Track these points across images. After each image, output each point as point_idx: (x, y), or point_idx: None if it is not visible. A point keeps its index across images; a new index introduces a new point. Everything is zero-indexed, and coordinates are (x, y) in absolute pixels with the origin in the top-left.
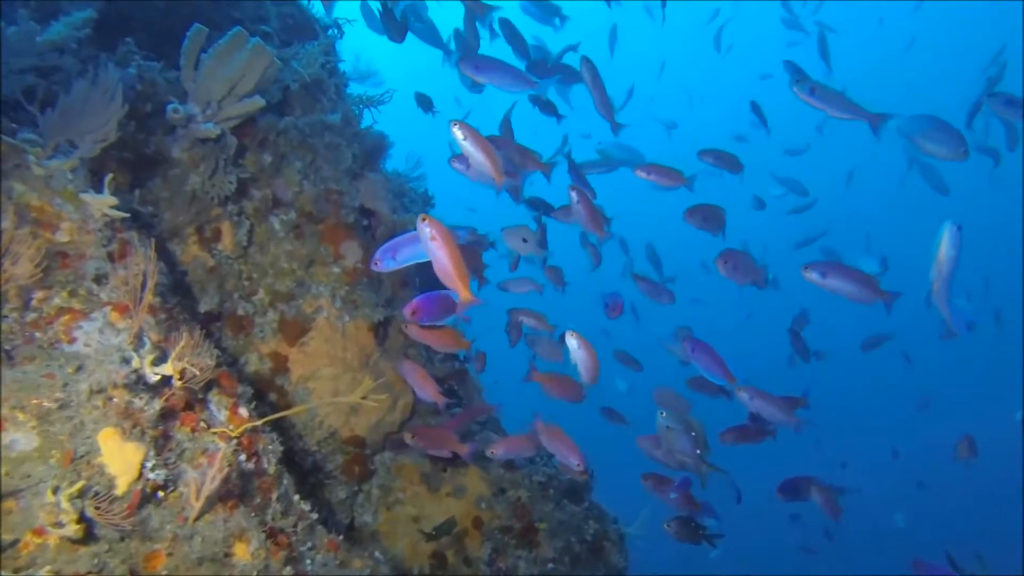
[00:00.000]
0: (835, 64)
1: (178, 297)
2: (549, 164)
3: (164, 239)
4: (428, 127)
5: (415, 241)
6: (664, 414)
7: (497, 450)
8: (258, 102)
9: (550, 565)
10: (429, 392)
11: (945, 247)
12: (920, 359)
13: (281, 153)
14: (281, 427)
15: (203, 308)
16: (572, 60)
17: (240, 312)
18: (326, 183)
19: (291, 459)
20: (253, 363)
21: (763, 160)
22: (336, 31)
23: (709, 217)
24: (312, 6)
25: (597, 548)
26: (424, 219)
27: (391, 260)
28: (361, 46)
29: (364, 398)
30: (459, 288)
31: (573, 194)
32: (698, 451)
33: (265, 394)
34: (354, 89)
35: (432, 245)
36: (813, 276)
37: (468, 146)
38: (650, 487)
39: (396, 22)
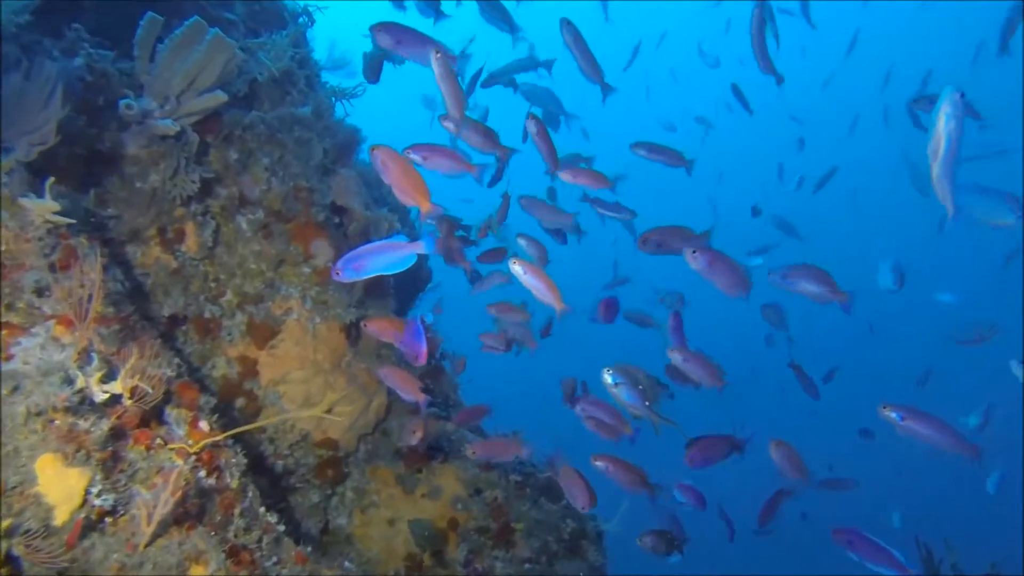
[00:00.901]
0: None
1: (136, 304)
2: (509, 149)
3: (123, 241)
4: (404, 119)
5: (378, 253)
6: (609, 371)
7: (477, 451)
8: (220, 97)
9: (527, 565)
10: (412, 392)
11: (943, 119)
12: (918, 350)
13: (248, 149)
14: (251, 431)
15: (166, 312)
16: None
17: (207, 315)
18: (295, 180)
19: (261, 464)
20: (220, 367)
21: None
22: (307, 19)
23: (664, 241)
24: None
25: (575, 547)
26: (373, 148)
27: (352, 271)
28: (335, 33)
29: (329, 411)
30: (420, 202)
31: (530, 124)
32: (647, 403)
33: (233, 399)
34: (327, 78)
35: (386, 172)
36: (774, 278)
37: (441, 78)
38: (603, 469)
39: (374, 65)
